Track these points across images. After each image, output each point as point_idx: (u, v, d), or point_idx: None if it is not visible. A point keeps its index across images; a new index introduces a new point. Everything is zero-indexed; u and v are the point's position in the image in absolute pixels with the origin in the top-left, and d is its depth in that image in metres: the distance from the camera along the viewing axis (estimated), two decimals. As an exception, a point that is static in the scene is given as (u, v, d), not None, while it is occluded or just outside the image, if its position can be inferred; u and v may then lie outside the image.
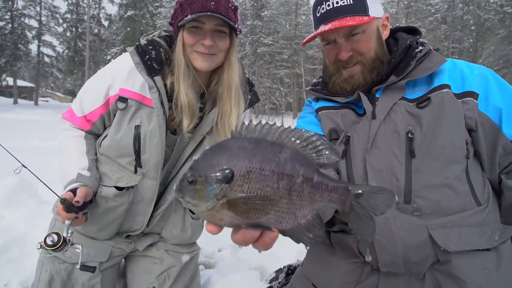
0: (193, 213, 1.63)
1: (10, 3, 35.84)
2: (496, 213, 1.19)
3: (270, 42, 40.59)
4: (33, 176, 1.46)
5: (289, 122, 36.34)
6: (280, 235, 0.66)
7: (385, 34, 1.31)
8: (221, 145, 0.65)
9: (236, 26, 1.38)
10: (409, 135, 1.16)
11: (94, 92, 1.47)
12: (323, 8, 1.26)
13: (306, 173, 0.66)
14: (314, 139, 0.68)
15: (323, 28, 1.24)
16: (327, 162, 0.68)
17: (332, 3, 1.23)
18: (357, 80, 1.27)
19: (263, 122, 0.68)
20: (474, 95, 1.18)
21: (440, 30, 39.65)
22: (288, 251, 2.49)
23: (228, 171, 0.61)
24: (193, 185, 0.61)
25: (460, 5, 43.89)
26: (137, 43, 1.45)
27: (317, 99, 1.44)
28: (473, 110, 1.16)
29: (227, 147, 0.64)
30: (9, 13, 35.59)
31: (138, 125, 1.40)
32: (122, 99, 1.41)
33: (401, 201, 1.14)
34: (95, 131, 1.55)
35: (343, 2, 1.21)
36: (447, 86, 1.18)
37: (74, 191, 1.31)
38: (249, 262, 2.65)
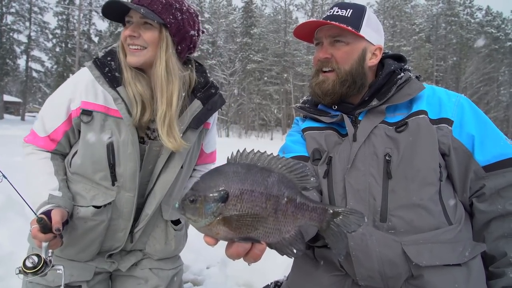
0: (175, 225, 1.58)
1: (-1, 18, 35.80)
2: (468, 232, 1.26)
3: (259, 59, 41.18)
4: (19, 193, 1.41)
5: (279, 138, 36.51)
6: (267, 248, 0.78)
7: (372, 61, 1.36)
8: (218, 170, 0.76)
9: (167, 20, 1.33)
10: (387, 158, 1.22)
11: (55, 110, 1.42)
12: (327, 13, 1.38)
13: (290, 195, 0.78)
14: (298, 166, 0.80)
15: (313, 19, 1.35)
16: (309, 186, 0.81)
17: (335, 10, 1.35)
18: (327, 86, 1.33)
19: (255, 150, 0.80)
20: (449, 122, 1.25)
21: (425, 49, 40.85)
22: (275, 267, 2.52)
23: (224, 192, 0.72)
24: (194, 204, 0.72)
25: (443, 24, 45.39)
26: (94, 57, 1.41)
27: (304, 118, 1.51)
28: (447, 136, 1.24)
29: (223, 172, 0.75)
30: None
31: (109, 137, 1.36)
32: (86, 112, 1.36)
33: (377, 219, 1.20)
34: (61, 150, 1.47)
35: (342, 13, 1.32)
36: (424, 112, 1.26)
37: (47, 213, 1.23)
38: (237, 278, 2.66)
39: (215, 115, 1.63)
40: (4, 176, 1.41)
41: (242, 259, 0.77)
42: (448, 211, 1.21)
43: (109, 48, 1.44)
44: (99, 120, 1.36)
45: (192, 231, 0.76)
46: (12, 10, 36.84)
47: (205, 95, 1.48)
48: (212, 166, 1.77)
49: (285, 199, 0.77)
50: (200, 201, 0.72)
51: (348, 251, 1.21)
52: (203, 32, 1.53)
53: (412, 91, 1.28)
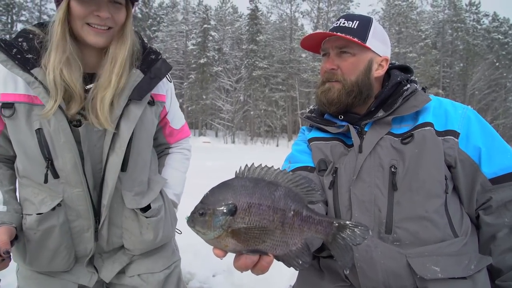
0: (144, 211, 1.37)
1: (9, 26, 36.43)
2: (474, 244, 1.25)
3: (265, 66, 41.31)
4: None
5: (284, 144, 36.45)
6: (274, 260, 0.80)
7: (378, 72, 1.36)
8: (226, 184, 0.79)
9: None
10: (393, 169, 1.23)
11: None
12: (333, 24, 1.40)
13: (297, 208, 0.80)
14: (304, 181, 0.83)
15: (319, 31, 1.37)
16: (315, 200, 0.84)
17: (342, 22, 1.36)
18: (332, 95, 1.34)
19: (263, 165, 0.82)
20: (455, 134, 1.25)
21: (431, 55, 40.71)
22: (281, 277, 2.52)
23: (232, 205, 0.75)
24: (203, 217, 0.75)
25: (450, 31, 45.24)
26: None
27: (310, 128, 1.52)
28: (453, 148, 1.24)
29: (231, 186, 0.78)
30: (8, 36, 36.11)
31: (39, 128, 1.19)
32: (7, 105, 1.19)
33: (382, 231, 1.21)
34: (4, 154, 1.31)
35: (348, 24, 1.34)
36: (430, 124, 1.26)
37: None
38: (243, 287, 2.66)
39: (169, 86, 1.49)
40: None
41: (250, 271, 0.79)
42: (454, 223, 1.21)
43: (21, 29, 1.28)
44: (23, 112, 1.19)
45: (195, 235, 0.78)
46: (22, 18, 37.59)
47: (144, 62, 1.33)
48: (188, 140, 1.67)
49: (292, 212, 0.79)
50: (209, 214, 0.74)
51: (353, 262, 1.22)
52: None
53: (418, 103, 1.29)
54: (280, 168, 0.83)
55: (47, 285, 1.34)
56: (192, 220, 0.76)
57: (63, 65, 1.18)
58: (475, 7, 46.76)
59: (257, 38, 42.09)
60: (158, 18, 46.12)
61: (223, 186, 0.78)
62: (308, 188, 0.83)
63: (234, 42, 47.65)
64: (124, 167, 1.30)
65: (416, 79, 1.42)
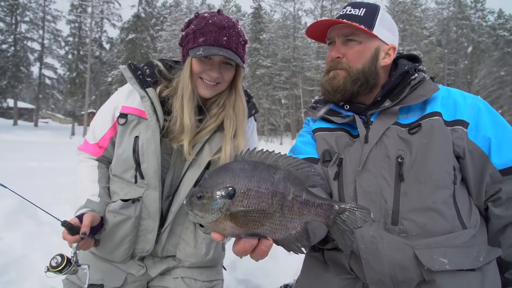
0: (201, 225, 1.55)
1: (13, 26, 36.62)
2: (483, 236, 1.22)
3: (268, 64, 41.27)
4: (32, 198, 1.47)
5: (288, 142, 36.40)
6: (277, 252, 0.75)
7: (385, 61, 1.34)
8: (225, 167, 0.78)
9: (243, 59, 1.45)
10: (399, 160, 1.20)
11: (103, 118, 1.56)
12: (340, 12, 1.37)
13: (296, 191, 0.78)
14: (304, 165, 0.81)
15: (325, 18, 1.34)
16: (315, 183, 0.82)
17: (348, 9, 1.33)
18: (337, 82, 1.32)
19: (264, 149, 0.81)
20: (464, 124, 1.22)
21: (436, 52, 40.42)
22: (285, 271, 2.50)
23: (231, 188, 0.74)
24: (201, 200, 0.74)
25: (454, 28, 44.92)
26: (129, 62, 1.55)
27: (315, 119, 1.50)
28: (462, 138, 1.21)
29: (230, 169, 0.77)
30: (12, 37, 36.29)
31: (137, 136, 1.46)
32: (123, 115, 1.49)
33: (388, 222, 1.18)
34: (108, 157, 1.60)
35: (355, 12, 1.31)
36: (438, 113, 1.23)
37: (80, 217, 1.34)
38: (246, 282, 2.64)
39: (253, 123, 1.71)
40: (3, 185, 1.48)
41: (249, 256, 0.77)
42: (463, 215, 1.18)
43: (148, 61, 1.59)
44: (132, 122, 1.48)
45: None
46: (26, 18, 37.77)
47: None
48: None
49: (291, 195, 0.78)
50: (207, 198, 0.74)
51: (357, 250, 1.20)
52: None
53: (426, 92, 1.26)
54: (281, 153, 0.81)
55: (101, 265, 1.54)
56: (190, 204, 0.75)
57: (192, 111, 1.44)
58: (480, 4, 46.38)
59: (261, 37, 42.05)
60: (162, 18, 46.15)
61: (222, 170, 0.77)
62: (308, 171, 0.81)
63: (238, 41, 47.54)
64: (196, 184, 1.48)
65: (424, 68, 1.38)
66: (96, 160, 1.59)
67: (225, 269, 1.82)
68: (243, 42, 1.45)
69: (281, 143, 38.99)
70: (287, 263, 2.62)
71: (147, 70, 1.52)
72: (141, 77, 1.48)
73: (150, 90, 1.46)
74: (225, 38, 1.37)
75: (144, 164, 1.45)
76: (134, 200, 1.48)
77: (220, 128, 1.51)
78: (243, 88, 1.61)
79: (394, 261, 1.14)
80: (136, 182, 1.47)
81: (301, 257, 1.45)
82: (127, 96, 1.53)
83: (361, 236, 1.19)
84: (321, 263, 1.36)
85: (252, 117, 1.69)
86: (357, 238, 1.19)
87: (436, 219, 1.15)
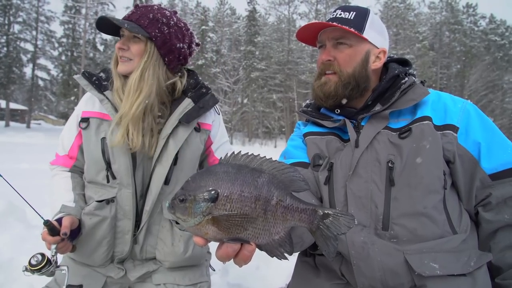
0: (177, 223, 1.54)
1: (6, 27, 36.29)
2: (474, 241, 1.22)
3: (263, 67, 41.33)
4: (22, 200, 1.47)
5: (282, 145, 36.41)
6: (269, 257, 0.76)
7: (376, 65, 1.33)
8: (209, 170, 0.76)
9: (153, 33, 1.44)
10: (390, 164, 1.19)
11: (68, 129, 1.60)
12: (330, 15, 1.36)
13: (280, 196, 0.76)
14: (289, 169, 0.79)
15: (315, 21, 1.34)
16: (299, 189, 0.80)
17: (338, 13, 1.33)
18: (328, 88, 1.31)
19: (249, 153, 0.79)
20: (454, 128, 1.22)
21: (429, 57, 40.81)
22: (276, 275, 2.48)
23: (214, 192, 0.72)
24: (183, 203, 0.72)
25: (447, 32, 45.44)
26: (83, 70, 1.61)
27: (306, 123, 1.49)
28: (452, 143, 1.20)
29: (214, 172, 0.75)
30: (4, 37, 35.95)
31: (103, 137, 1.49)
32: (84, 120, 1.54)
33: (379, 228, 1.17)
34: (79, 166, 1.62)
35: (345, 15, 1.30)
36: (428, 118, 1.23)
37: (59, 220, 1.34)
38: (238, 286, 2.62)
39: (217, 117, 1.70)
40: (0, 175, 1.50)
41: (232, 261, 0.75)
42: (453, 219, 1.18)
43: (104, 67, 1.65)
44: (94, 125, 1.51)
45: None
46: (19, 19, 37.31)
47: (195, 94, 1.58)
48: None
49: (275, 199, 0.76)
50: (189, 201, 0.72)
51: (347, 256, 1.19)
52: (198, 44, 1.64)
53: (417, 96, 1.25)
54: (267, 157, 0.80)
55: (80, 270, 1.53)
56: (172, 207, 0.73)
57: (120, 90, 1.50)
58: (472, 9, 46.98)
59: (255, 40, 42.13)
60: (156, 19, 45.97)
61: (205, 172, 0.75)
62: (293, 176, 0.79)
63: (232, 44, 47.62)
64: (167, 181, 1.50)
65: (414, 72, 1.38)
66: (68, 171, 1.62)
67: (213, 269, 1.80)
68: (151, 17, 1.45)
69: (275, 146, 39.02)
70: (279, 268, 2.60)
71: (103, 75, 1.58)
72: (97, 82, 1.53)
73: (108, 92, 1.51)
74: (130, 13, 1.47)
75: (115, 164, 1.47)
76: (108, 201, 1.48)
77: (182, 120, 1.51)
78: (200, 80, 1.64)
79: (385, 266, 1.13)
80: (108, 182, 1.49)
81: (293, 262, 1.44)
82: (86, 102, 1.58)
83: (352, 241, 1.18)
84: (312, 268, 1.35)
85: (214, 109, 1.68)
86: (347, 243, 1.18)
87: (426, 224, 1.14)
